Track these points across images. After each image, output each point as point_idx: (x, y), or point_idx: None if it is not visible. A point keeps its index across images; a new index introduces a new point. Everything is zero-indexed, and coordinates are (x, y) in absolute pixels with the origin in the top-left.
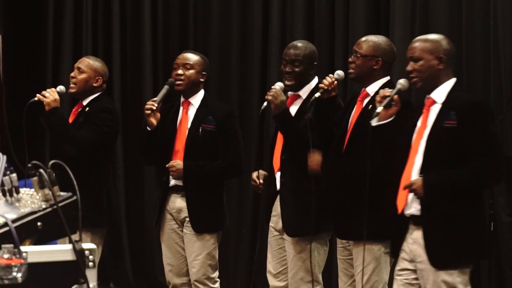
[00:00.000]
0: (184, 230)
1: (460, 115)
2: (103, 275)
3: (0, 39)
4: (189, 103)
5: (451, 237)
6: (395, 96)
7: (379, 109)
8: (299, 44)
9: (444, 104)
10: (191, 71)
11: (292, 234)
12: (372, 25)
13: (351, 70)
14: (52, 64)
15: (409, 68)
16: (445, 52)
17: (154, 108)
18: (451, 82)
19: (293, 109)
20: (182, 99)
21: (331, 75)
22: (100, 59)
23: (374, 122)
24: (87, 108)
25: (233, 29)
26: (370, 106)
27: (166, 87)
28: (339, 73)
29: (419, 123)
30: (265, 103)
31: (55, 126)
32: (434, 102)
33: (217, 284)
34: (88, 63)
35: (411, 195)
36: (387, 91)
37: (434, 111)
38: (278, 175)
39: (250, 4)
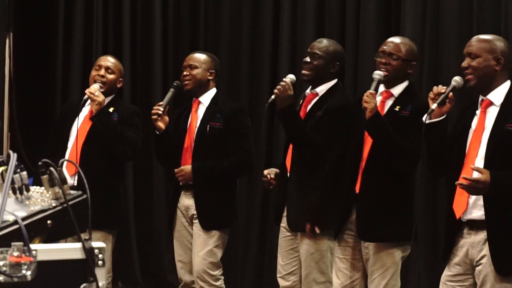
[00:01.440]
0: (193, 227)
1: None
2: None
3: (11, 37)
4: (199, 102)
5: None
6: (450, 94)
7: (434, 106)
8: (325, 40)
9: (502, 106)
10: (197, 70)
11: (292, 229)
12: (382, 25)
13: (385, 73)
14: (62, 63)
15: (465, 64)
16: (503, 54)
17: (160, 112)
18: (507, 84)
19: (309, 107)
20: (193, 99)
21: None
22: None
23: (427, 120)
24: (112, 109)
25: (244, 29)
26: (398, 107)
27: (172, 90)
28: (380, 73)
29: (473, 125)
30: (272, 97)
31: (113, 127)
32: (490, 103)
33: (219, 282)
34: (116, 64)
35: (471, 200)
36: (442, 88)
37: (491, 113)
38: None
39: (261, 3)
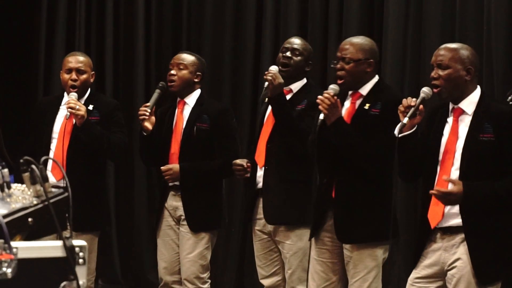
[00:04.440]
0: (180, 228)
1: (496, 127)
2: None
3: None
4: (184, 103)
5: (494, 250)
6: (420, 106)
7: (405, 120)
8: (298, 38)
9: (475, 115)
10: (184, 72)
11: (271, 222)
12: (365, 26)
13: (340, 81)
14: (44, 61)
15: (434, 74)
16: (472, 63)
17: (148, 113)
18: (478, 91)
19: None
20: (178, 99)
21: (328, 91)
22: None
23: (399, 134)
24: (91, 106)
25: (226, 29)
26: (368, 105)
27: (157, 91)
28: (334, 87)
29: (446, 133)
30: (266, 83)
31: (100, 136)
32: (462, 112)
33: (207, 285)
34: (85, 62)
35: (447, 210)
36: (412, 101)
37: (464, 122)
38: (260, 173)
39: (244, 4)
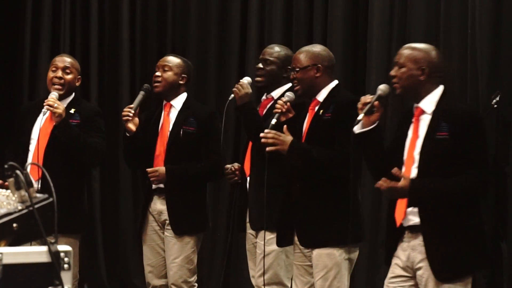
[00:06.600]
0: (164, 232)
1: (451, 126)
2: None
3: None
4: (171, 106)
5: (453, 248)
6: (376, 102)
7: (361, 116)
8: (276, 46)
9: (434, 114)
10: (169, 73)
11: (256, 228)
12: (350, 29)
13: (297, 88)
14: (29, 65)
15: (392, 72)
16: (429, 64)
17: (131, 114)
18: (439, 91)
19: (264, 111)
20: (164, 102)
21: (282, 98)
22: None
23: (357, 130)
24: (72, 110)
25: (211, 32)
26: (322, 111)
27: (141, 93)
28: (289, 94)
29: (410, 133)
30: (231, 95)
31: (76, 137)
32: (423, 111)
33: None
34: (73, 63)
35: (409, 209)
36: (368, 98)
37: (424, 121)
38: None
39: (228, 7)
